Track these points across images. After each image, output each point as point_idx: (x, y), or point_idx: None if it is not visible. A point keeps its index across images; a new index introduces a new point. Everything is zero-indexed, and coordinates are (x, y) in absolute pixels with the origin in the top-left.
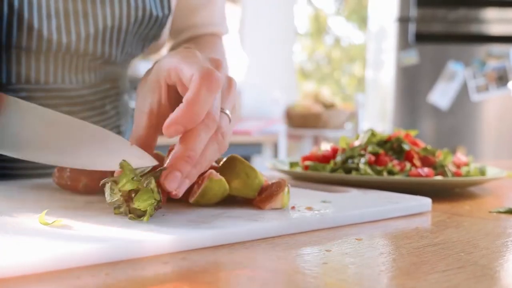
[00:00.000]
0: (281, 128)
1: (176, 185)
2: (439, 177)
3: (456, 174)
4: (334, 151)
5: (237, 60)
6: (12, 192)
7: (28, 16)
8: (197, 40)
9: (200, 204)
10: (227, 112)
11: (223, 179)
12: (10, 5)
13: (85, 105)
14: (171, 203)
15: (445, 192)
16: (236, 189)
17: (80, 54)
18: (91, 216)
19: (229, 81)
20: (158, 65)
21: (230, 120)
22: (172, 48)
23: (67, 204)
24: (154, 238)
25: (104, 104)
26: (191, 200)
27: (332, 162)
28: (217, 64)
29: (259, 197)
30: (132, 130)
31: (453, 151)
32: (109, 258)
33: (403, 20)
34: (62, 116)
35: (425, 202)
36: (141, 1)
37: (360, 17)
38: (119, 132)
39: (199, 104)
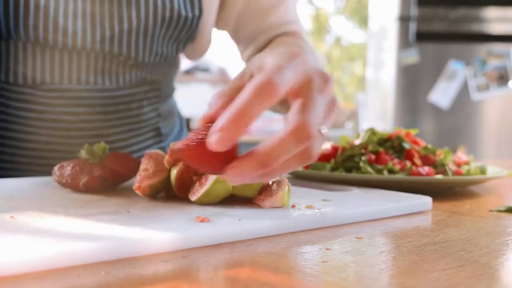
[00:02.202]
0: (281, 127)
1: (236, 182)
2: (439, 176)
3: (456, 173)
4: (335, 150)
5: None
6: (12, 190)
7: (54, 15)
8: (279, 40)
9: (202, 203)
10: (324, 130)
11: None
12: (37, 3)
13: (119, 106)
14: (171, 201)
15: (446, 191)
16: (237, 188)
17: (105, 54)
18: (92, 214)
19: (333, 100)
20: (257, 59)
21: (324, 141)
22: (252, 55)
23: (68, 203)
24: (154, 236)
25: (141, 105)
26: (194, 199)
27: (332, 161)
28: (325, 79)
29: (260, 196)
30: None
31: (454, 151)
32: (109, 257)
33: (404, 19)
34: None
35: (426, 201)
36: (168, 1)
37: (360, 16)
38: (159, 134)
39: (244, 111)
